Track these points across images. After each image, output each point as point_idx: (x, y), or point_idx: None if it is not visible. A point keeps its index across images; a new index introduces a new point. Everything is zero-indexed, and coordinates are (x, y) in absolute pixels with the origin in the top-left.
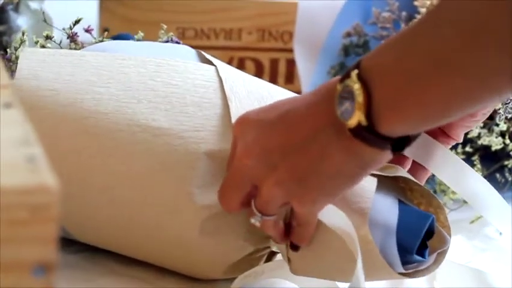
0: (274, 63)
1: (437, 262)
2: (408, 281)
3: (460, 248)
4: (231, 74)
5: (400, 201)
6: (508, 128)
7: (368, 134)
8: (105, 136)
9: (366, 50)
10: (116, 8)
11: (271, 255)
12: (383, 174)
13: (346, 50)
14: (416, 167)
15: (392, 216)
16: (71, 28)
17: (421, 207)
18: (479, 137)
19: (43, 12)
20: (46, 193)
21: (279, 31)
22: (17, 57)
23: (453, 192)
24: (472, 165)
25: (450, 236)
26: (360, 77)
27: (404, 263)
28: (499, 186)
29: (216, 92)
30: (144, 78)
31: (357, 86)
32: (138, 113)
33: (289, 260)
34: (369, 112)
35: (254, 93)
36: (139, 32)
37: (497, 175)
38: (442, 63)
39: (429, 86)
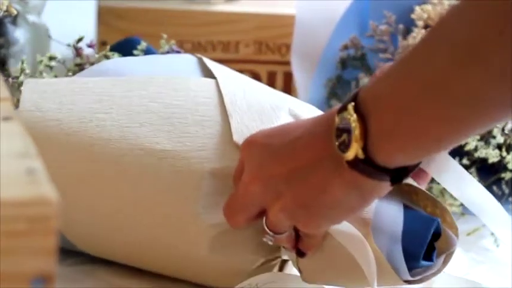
0: (271, 75)
1: (445, 263)
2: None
3: (457, 260)
4: (231, 87)
5: (405, 206)
6: (505, 140)
7: (366, 166)
8: (110, 162)
9: (363, 62)
10: (113, 21)
11: (283, 264)
12: None
13: (344, 63)
14: (417, 171)
15: (398, 223)
16: (75, 45)
17: (427, 209)
18: (476, 149)
19: (46, 29)
20: (45, 205)
21: (277, 44)
22: (18, 85)
23: (449, 205)
24: None
25: (457, 236)
26: (357, 110)
27: (411, 268)
28: (496, 198)
29: (217, 108)
30: (145, 100)
31: (353, 119)
32: (141, 137)
33: (299, 270)
34: (366, 144)
35: (255, 107)
36: (143, 42)
37: (494, 188)
38: (435, 93)
39: (424, 116)
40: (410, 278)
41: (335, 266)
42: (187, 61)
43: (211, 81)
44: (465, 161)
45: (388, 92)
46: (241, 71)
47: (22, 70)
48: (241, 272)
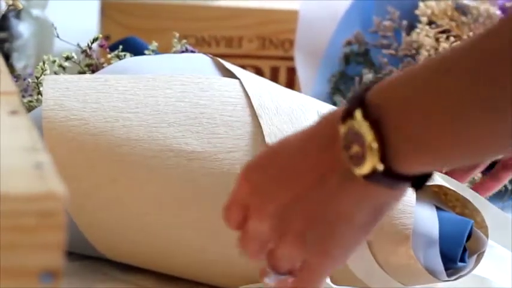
0: (274, 71)
1: (477, 262)
2: None
3: None
4: (256, 88)
5: (437, 207)
6: None
7: (384, 177)
8: (139, 163)
9: (366, 58)
10: (116, 15)
11: None
12: None
13: (347, 59)
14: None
15: (434, 227)
16: (89, 44)
17: (456, 210)
18: None
19: (50, 24)
20: (53, 200)
21: (280, 39)
22: (37, 84)
23: None
24: None
25: (488, 236)
26: (367, 116)
27: (447, 269)
28: (500, 195)
29: (245, 109)
30: (171, 100)
31: (365, 128)
32: (169, 137)
33: None
34: (383, 154)
35: (283, 108)
36: (154, 42)
37: None
38: (474, 109)
39: (463, 126)
40: (447, 279)
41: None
42: (203, 61)
43: (235, 81)
44: None
45: (416, 97)
46: (244, 66)
47: (43, 70)
48: None
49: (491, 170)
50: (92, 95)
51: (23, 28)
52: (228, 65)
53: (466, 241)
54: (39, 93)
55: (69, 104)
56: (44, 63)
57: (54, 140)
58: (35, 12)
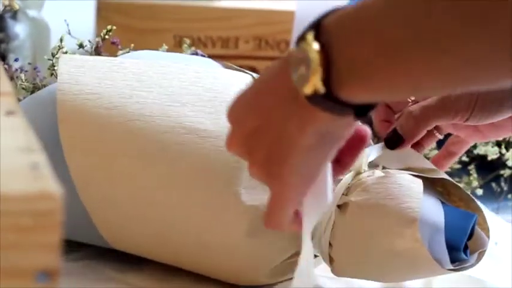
0: None
1: (478, 260)
2: (406, 283)
3: None
4: None
5: (441, 202)
6: (504, 137)
7: (325, 100)
8: (150, 138)
9: None
10: (112, 16)
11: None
12: (425, 175)
13: None
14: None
15: (439, 215)
16: (101, 40)
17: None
18: (475, 146)
19: (46, 24)
20: (49, 200)
21: (276, 40)
22: (53, 65)
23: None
24: (468, 174)
25: (489, 237)
26: (319, 39)
27: (451, 260)
28: (495, 195)
29: None
30: (185, 83)
31: (312, 50)
32: (182, 115)
33: (331, 259)
34: (327, 78)
35: None
36: (164, 45)
37: (493, 184)
38: (427, 41)
39: (407, 59)
40: (452, 267)
41: (370, 258)
42: (213, 64)
43: (246, 75)
44: (464, 158)
45: (369, 27)
46: (240, 67)
47: (60, 48)
48: (273, 262)
49: (435, 156)
50: (107, 74)
51: (19, 29)
52: (239, 69)
53: (468, 239)
54: (52, 74)
55: (84, 79)
56: (61, 40)
57: (68, 111)
58: (31, 13)
